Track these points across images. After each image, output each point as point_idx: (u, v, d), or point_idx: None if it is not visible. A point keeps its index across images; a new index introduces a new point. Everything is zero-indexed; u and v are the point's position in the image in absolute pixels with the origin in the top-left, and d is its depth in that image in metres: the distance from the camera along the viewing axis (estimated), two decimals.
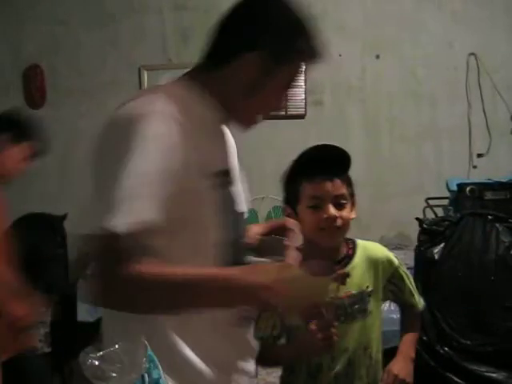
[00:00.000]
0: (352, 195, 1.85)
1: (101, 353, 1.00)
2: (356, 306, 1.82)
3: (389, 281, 1.92)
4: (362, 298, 1.84)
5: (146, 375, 1.10)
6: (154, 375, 1.10)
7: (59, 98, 4.59)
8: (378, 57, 4.68)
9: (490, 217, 3.57)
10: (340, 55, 4.65)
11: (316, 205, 1.79)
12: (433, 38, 4.70)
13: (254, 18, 1.47)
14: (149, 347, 1.09)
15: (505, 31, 4.73)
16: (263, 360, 1.76)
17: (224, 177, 1.45)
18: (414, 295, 1.98)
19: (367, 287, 1.85)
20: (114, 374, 1.04)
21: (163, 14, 4.48)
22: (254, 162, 4.44)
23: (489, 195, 4.27)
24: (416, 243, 3.71)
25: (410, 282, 1.98)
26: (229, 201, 1.48)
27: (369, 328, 1.86)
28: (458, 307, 3.43)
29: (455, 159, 4.72)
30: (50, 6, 4.57)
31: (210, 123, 1.48)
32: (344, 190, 1.80)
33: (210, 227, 1.41)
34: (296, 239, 1.63)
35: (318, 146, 1.81)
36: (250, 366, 1.57)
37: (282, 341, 1.87)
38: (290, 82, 1.53)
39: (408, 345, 1.95)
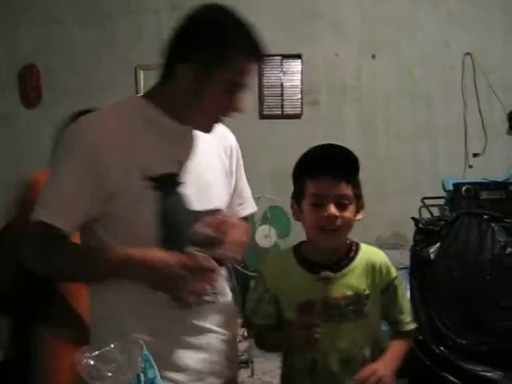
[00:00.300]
0: (358, 197, 1.85)
1: (96, 352, 1.00)
2: (351, 307, 1.83)
3: (383, 292, 1.90)
4: (357, 300, 1.84)
5: (142, 375, 1.11)
6: (150, 375, 1.11)
7: (55, 97, 4.58)
8: (374, 56, 4.69)
9: (485, 216, 3.57)
10: (336, 55, 4.66)
11: (318, 203, 1.80)
12: (429, 38, 4.72)
13: (186, 34, 1.65)
14: (144, 347, 1.10)
15: (500, 31, 4.75)
16: (261, 344, 1.96)
17: (169, 179, 1.65)
18: (403, 313, 1.94)
19: (364, 290, 1.85)
20: (109, 374, 1.04)
21: (160, 14, 4.47)
22: (251, 162, 4.39)
23: (484, 195, 4.27)
24: (412, 243, 3.72)
25: (403, 298, 1.94)
26: (174, 201, 1.65)
27: (364, 330, 1.86)
28: (454, 307, 3.43)
29: (451, 159, 4.74)
30: (46, 6, 4.56)
31: (159, 132, 1.67)
32: (347, 191, 1.80)
33: (145, 225, 1.62)
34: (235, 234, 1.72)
35: (324, 144, 1.83)
36: (202, 339, 1.73)
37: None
38: (232, 85, 1.65)
39: (393, 355, 1.89)
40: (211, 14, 1.68)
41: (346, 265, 1.87)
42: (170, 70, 1.67)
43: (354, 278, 1.85)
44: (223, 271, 1.80)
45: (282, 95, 4.61)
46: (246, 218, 2.04)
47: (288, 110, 4.63)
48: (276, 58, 4.56)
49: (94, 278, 1.67)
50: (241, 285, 3.94)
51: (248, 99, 4.74)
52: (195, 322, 1.72)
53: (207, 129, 1.74)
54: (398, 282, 1.93)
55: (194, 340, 1.73)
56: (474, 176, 4.59)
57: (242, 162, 2.00)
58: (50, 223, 1.56)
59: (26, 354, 2.38)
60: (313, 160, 1.83)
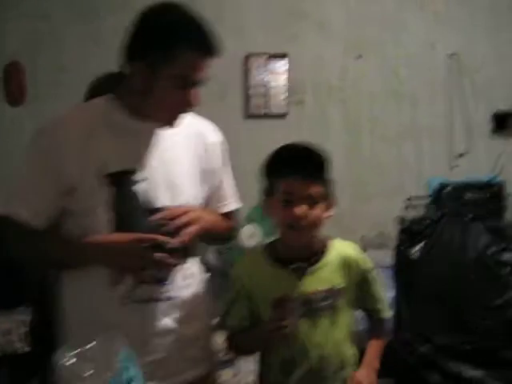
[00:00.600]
0: (328, 195, 1.87)
1: (76, 351, 1.00)
2: (324, 303, 1.85)
3: (357, 284, 1.94)
4: (331, 295, 1.86)
5: (122, 373, 1.10)
6: (130, 373, 1.10)
7: (40, 95, 4.55)
8: (359, 57, 4.69)
9: (469, 216, 3.59)
10: (322, 55, 4.66)
11: (287, 200, 1.81)
12: (414, 39, 4.73)
13: (136, 32, 1.73)
14: (125, 345, 1.10)
15: (485, 32, 4.77)
16: (233, 346, 1.95)
17: (125, 176, 1.71)
18: (379, 301, 2.01)
19: (338, 284, 1.88)
20: (89, 373, 1.04)
21: None
22: (235, 161, 4.41)
23: (469, 195, 4.30)
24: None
25: (378, 287, 2.00)
26: (128, 197, 1.70)
27: (339, 324, 1.89)
28: (437, 306, 3.44)
29: (436, 159, 4.76)
30: (32, 2, 4.52)
31: (121, 131, 1.75)
32: (316, 190, 1.81)
33: (100, 220, 1.70)
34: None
35: (294, 144, 1.87)
36: (154, 340, 1.79)
37: None
38: (183, 81, 1.70)
39: (373, 355, 1.97)
40: (159, 11, 1.73)
41: (319, 260, 1.89)
42: (125, 69, 1.76)
43: (327, 273, 1.88)
44: (177, 263, 1.80)
45: (267, 95, 4.61)
46: (229, 215, 2.09)
47: (273, 110, 4.62)
48: (261, 57, 4.55)
49: (64, 264, 1.79)
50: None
51: (233, 99, 4.72)
52: (149, 320, 1.78)
53: (167, 123, 1.79)
54: (373, 273, 1.97)
55: (143, 341, 1.76)
56: (458, 176, 4.61)
57: (227, 160, 2.07)
58: (15, 217, 1.70)
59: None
60: (283, 160, 1.86)
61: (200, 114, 4.46)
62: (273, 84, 4.60)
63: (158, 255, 1.61)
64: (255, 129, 4.60)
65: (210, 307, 2.05)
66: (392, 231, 3.95)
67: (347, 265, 1.91)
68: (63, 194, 1.71)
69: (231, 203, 2.11)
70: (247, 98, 4.59)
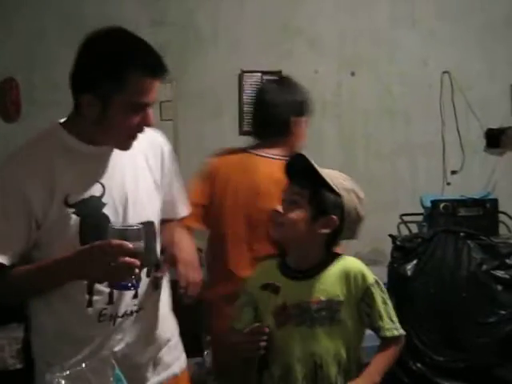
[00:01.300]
0: (323, 212, 1.92)
1: (67, 372, 0.99)
2: (323, 313, 1.88)
3: (362, 299, 1.92)
4: (330, 306, 1.89)
5: None
6: None
7: (35, 111, 4.55)
8: (353, 74, 4.72)
9: (461, 234, 3.60)
10: (316, 72, 4.68)
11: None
12: (407, 56, 4.76)
13: (81, 63, 1.74)
14: (116, 367, 1.09)
15: (478, 50, 4.80)
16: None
17: (90, 203, 1.74)
18: (382, 319, 1.93)
19: (337, 296, 1.90)
20: None
21: (140, 29, 4.45)
22: None
23: (462, 212, 4.32)
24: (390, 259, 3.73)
25: (383, 305, 1.94)
26: (95, 223, 1.74)
27: (338, 336, 1.89)
28: (431, 323, 3.44)
29: (429, 176, 4.77)
30: (27, 20, 4.54)
31: (79, 159, 1.77)
32: (297, 195, 1.93)
33: (68, 248, 1.70)
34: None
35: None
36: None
37: None
38: (135, 105, 1.70)
39: (374, 368, 1.90)
40: (104, 38, 1.76)
41: (321, 271, 1.93)
42: (76, 99, 1.76)
43: (328, 284, 1.91)
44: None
45: None
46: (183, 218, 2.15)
47: None
48: (256, 74, 4.57)
49: (40, 288, 1.79)
50: None
51: (228, 116, 4.74)
52: (122, 333, 1.84)
53: (124, 147, 1.80)
54: (376, 288, 1.93)
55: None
56: (451, 193, 4.63)
57: (176, 165, 2.06)
58: None
59: None
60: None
61: (195, 130, 4.50)
62: None
63: (122, 258, 1.60)
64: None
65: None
66: (386, 247, 3.95)
67: (348, 279, 1.92)
68: (35, 227, 1.73)
69: (185, 209, 2.16)
70: (242, 115, 4.60)
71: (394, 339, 1.94)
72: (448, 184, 4.77)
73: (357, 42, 4.70)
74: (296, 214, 1.90)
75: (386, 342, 1.94)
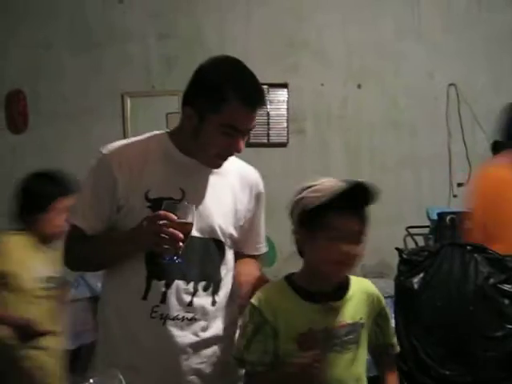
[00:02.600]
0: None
1: None
2: (350, 337, 1.83)
3: (374, 319, 1.93)
4: (355, 329, 1.85)
5: None
6: None
7: (42, 123, 4.58)
8: (359, 86, 4.74)
9: (468, 247, 3.58)
10: (322, 84, 4.70)
11: (340, 237, 1.77)
12: (413, 69, 4.77)
13: (192, 82, 1.93)
14: (123, 382, 1.09)
15: (484, 62, 4.81)
16: None
17: (163, 202, 1.84)
18: (394, 336, 2.01)
19: (360, 319, 1.86)
20: None
21: (147, 42, 4.50)
22: None
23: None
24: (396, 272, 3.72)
25: (391, 324, 2.01)
26: (171, 202, 1.84)
27: (360, 360, 1.87)
28: (437, 337, 3.41)
29: (435, 188, 4.77)
30: (34, 31, 4.58)
31: (171, 164, 1.95)
32: (364, 228, 1.82)
33: None
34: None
35: (356, 184, 1.82)
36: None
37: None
38: (227, 129, 1.85)
39: None
40: (214, 63, 1.95)
41: (344, 294, 1.87)
42: (182, 112, 1.94)
43: (351, 307, 1.86)
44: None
45: (268, 124, 4.63)
46: (259, 256, 2.27)
47: (274, 139, 4.65)
48: (262, 87, 4.58)
49: (111, 256, 1.97)
50: None
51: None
52: (172, 338, 1.94)
53: (212, 165, 1.97)
54: (387, 308, 1.99)
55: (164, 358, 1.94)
56: (458, 205, 4.62)
57: (263, 204, 2.20)
58: (78, 225, 1.95)
59: None
60: (341, 194, 1.79)
61: None
62: (273, 113, 4.63)
63: (167, 229, 1.73)
64: (256, 157, 4.59)
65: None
66: (392, 260, 3.94)
67: (368, 300, 1.91)
68: (115, 211, 1.94)
69: (263, 247, 2.28)
70: None
71: (396, 355, 2.01)
72: (454, 196, 4.76)
73: (363, 55, 4.72)
74: (363, 247, 1.82)
75: (393, 359, 2.01)
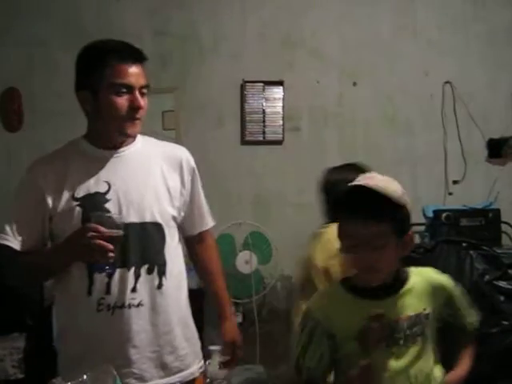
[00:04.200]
0: (401, 232, 1.80)
1: (69, 383, 0.99)
2: (414, 329, 1.78)
3: (445, 305, 1.90)
4: (419, 320, 1.80)
5: None
6: None
7: (37, 121, 4.57)
8: (355, 84, 4.73)
9: (464, 244, 3.59)
10: (317, 82, 4.69)
11: (351, 246, 1.74)
12: (409, 66, 4.77)
13: (75, 72, 2.09)
14: (117, 378, 1.09)
15: (479, 60, 4.81)
16: None
17: (93, 198, 1.97)
18: (470, 315, 1.97)
19: (424, 309, 1.82)
20: None
21: (142, 40, 4.48)
22: (232, 187, 4.45)
23: (464, 222, 4.31)
24: None
25: (465, 300, 1.97)
26: (96, 215, 1.90)
27: (428, 353, 1.82)
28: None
29: (431, 186, 4.77)
30: (29, 29, 4.55)
31: (90, 160, 2.04)
32: (376, 230, 1.71)
33: None
34: None
35: (354, 187, 1.75)
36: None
37: (331, 378, 1.85)
38: (118, 88, 1.97)
39: (467, 364, 1.96)
40: (83, 48, 2.11)
41: (401, 286, 1.83)
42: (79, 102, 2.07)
43: (412, 298, 1.81)
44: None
45: (263, 121, 4.63)
46: (207, 232, 2.36)
47: (270, 136, 4.64)
48: (258, 84, 4.58)
49: (46, 270, 2.05)
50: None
51: (229, 125, 4.74)
52: (122, 326, 2.00)
53: (126, 131, 2.04)
54: (456, 290, 1.95)
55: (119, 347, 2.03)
56: (453, 203, 4.62)
57: (198, 179, 2.25)
58: (4, 244, 1.98)
59: None
60: (341, 202, 1.78)
61: (197, 140, 4.50)
62: (269, 111, 4.63)
63: (96, 241, 1.80)
64: (252, 155, 4.62)
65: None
66: None
67: (434, 288, 1.87)
68: (47, 220, 2.00)
69: (209, 222, 2.37)
70: (244, 125, 4.62)
71: (476, 330, 1.97)
72: (450, 194, 4.77)
73: (358, 52, 4.71)
74: (388, 252, 1.74)
75: (472, 336, 1.98)
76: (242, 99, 4.61)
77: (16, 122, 4.62)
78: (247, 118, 4.61)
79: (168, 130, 4.42)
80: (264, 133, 4.64)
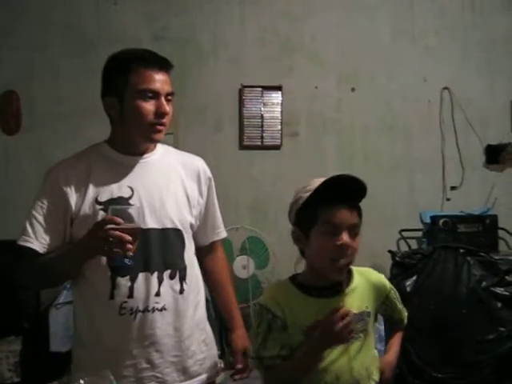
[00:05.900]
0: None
1: None
2: (358, 326, 1.83)
3: (383, 303, 1.99)
4: (362, 318, 1.87)
5: None
6: None
7: (35, 124, 4.57)
8: (353, 89, 4.74)
9: (461, 250, 3.59)
10: (316, 87, 4.70)
11: (331, 231, 1.78)
12: (407, 72, 4.78)
13: (101, 79, 2.08)
14: (114, 382, 1.08)
15: (477, 66, 4.83)
16: (275, 379, 1.86)
17: (115, 202, 1.97)
18: (402, 311, 2.09)
19: (366, 307, 1.89)
20: None
21: (142, 44, 4.46)
22: (230, 192, 4.44)
23: (461, 227, 4.31)
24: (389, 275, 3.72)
25: (399, 300, 2.07)
26: (123, 218, 1.85)
27: (368, 348, 1.89)
28: (430, 340, 3.43)
29: (429, 191, 4.77)
30: (28, 33, 4.56)
31: (113, 166, 2.05)
32: (358, 220, 1.82)
33: None
34: None
35: (340, 175, 1.80)
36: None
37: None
38: (143, 94, 1.98)
39: (396, 349, 2.09)
40: (110, 57, 2.08)
41: (347, 285, 1.88)
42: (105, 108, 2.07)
43: (356, 297, 1.88)
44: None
45: (262, 126, 4.63)
46: (218, 242, 2.36)
47: (268, 141, 4.64)
48: (256, 89, 4.59)
49: (67, 270, 2.02)
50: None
51: (228, 130, 4.74)
52: (144, 330, 1.99)
53: (150, 137, 2.05)
54: (393, 292, 2.04)
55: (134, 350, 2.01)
56: (451, 209, 4.63)
57: (213, 189, 2.26)
58: (27, 246, 1.98)
59: None
60: (329, 189, 1.80)
61: (196, 144, 4.50)
62: (267, 116, 4.63)
63: (114, 232, 1.79)
64: (250, 160, 4.62)
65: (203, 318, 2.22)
66: (386, 263, 3.95)
67: (372, 288, 1.94)
68: (69, 224, 2.00)
69: (222, 232, 2.36)
70: (242, 129, 4.62)
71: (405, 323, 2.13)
72: (447, 200, 4.77)
73: (357, 58, 4.72)
74: (358, 242, 1.82)
75: (403, 326, 2.13)
76: (241, 104, 4.61)
77: (14, 125, 4.62)
78: (245, 123, 4.61)
79: (166, 134, 4.41)
80: (262, 138, 4.64)
